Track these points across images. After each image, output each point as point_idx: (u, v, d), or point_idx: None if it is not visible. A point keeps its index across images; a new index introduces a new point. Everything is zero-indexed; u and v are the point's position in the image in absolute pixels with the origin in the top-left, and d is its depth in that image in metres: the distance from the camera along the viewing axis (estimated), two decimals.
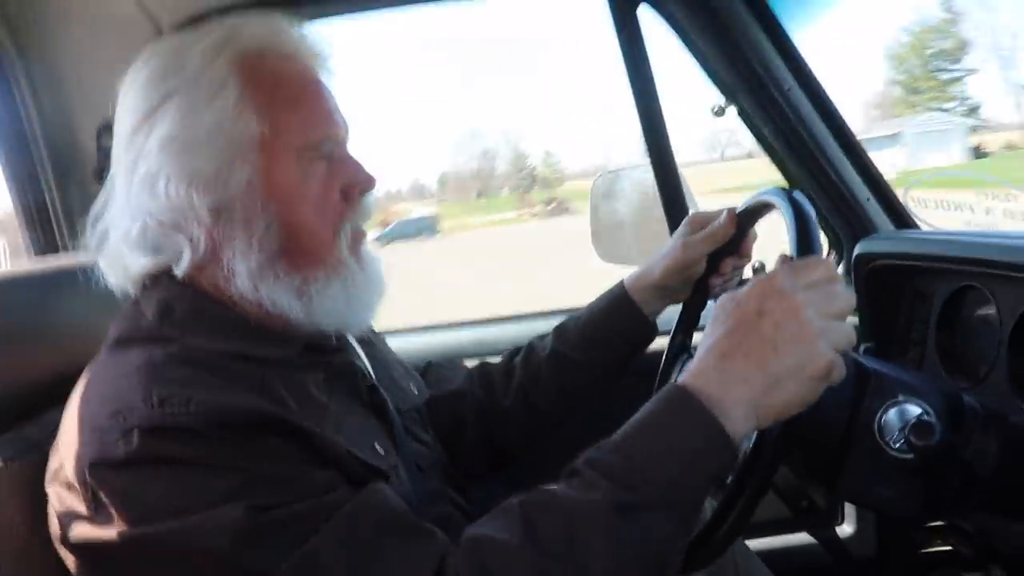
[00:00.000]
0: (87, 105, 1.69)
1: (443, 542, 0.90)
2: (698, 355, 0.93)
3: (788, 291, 0.89)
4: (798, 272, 0.92)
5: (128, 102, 1.06)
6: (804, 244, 1.00)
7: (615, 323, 1.39)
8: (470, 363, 1.54)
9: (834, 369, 0.88)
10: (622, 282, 1.42)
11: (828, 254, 1.96)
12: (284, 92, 1.05)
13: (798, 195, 1.08)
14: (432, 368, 1.51)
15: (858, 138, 1.79)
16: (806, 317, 0.88)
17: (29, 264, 1.42)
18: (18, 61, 1.61)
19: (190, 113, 1.01)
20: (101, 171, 1.69)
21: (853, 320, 1.79)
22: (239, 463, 0.87)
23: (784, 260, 0.99)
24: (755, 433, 0.92)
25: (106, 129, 1.67)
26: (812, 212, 1.04)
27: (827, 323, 0.88)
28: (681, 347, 1.39)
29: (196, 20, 1.64)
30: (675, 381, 0.93)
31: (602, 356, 1.40)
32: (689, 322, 1.41)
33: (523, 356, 1.44)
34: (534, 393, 1.40)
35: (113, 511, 0.87)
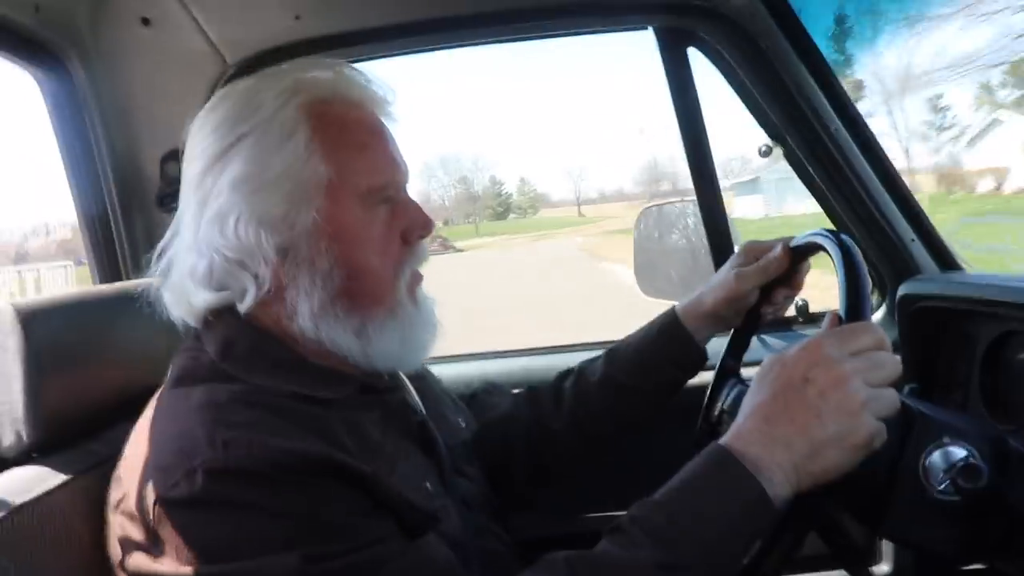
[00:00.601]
0: (153, 134, 1.74)
1: None
2: (742, 415, 0.95)
3: (835, 360, 0.91)
4: (846, 339, 0.93)
5: (200, 142, 1.09)
6: (853, 307, 1.01)
7: (666, 349, 1.40)
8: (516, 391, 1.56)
9: (876, 438, 0.90)
10: (674, 308, 1.43)
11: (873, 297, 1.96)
12: (350, 138, 1.09)
13: (849, 242, 1.08)
14: (478, 396, 1.53)
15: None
16: (851, 388, 0.89)
17: (95, 288, 1.47)
18: (89, 90, 1.66)
19: (262, 156, 1.05)
20: (163, 199, 1.75)
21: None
22: (298, 509, 0.89)
23: (833, 322, 0.99)
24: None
25: (170, 158, 1.73)
26: (864, 268, 1.04)
27: (872, 392, 0.90)
28: (730, 371, 1.40)
29: (261, 56, 1.71)
30: (719, 441, 0.95)
31: (652, 381, 1.40)
32: (739, 347, 1.41)
33: (573, 380, 1.45)
34: (584, 417, 1.41)
35: (172, 548, 0.89)
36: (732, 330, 1.43)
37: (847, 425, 0.89)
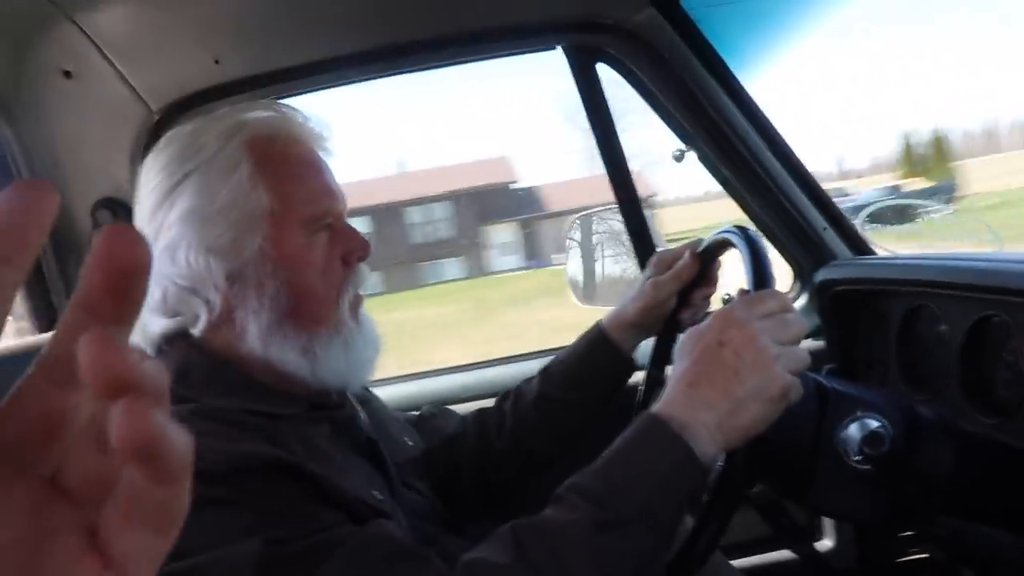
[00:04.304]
0: (83, 185, 1.75)
1: (441, 567, 0.97)
2: (668, 386, 1.02)
3: (745, 321, 0.99)
4: (753, 304, 1.01)
5: (149, 182, 1.15)
6: (758, 278, 1.10)
7: (596, 362, 1.46)
8: (461, 408, 1.62)
9: (791, 390, 0.98)
10: (599, 323, 1.49)
11: (793, 284, 2.06)
12: (291, 170, 1.16)
13: (752, 232, 1.18)
14: (424, 419, 1.58)
15: None
16: (762, 344, 0.97)
17: (34, 338, 1.48)
18: (16, 146, 1.66)
19: (207, 189, 1.11)
20: None
21: (815, 344, 1.89)
22: (256, 502, 0.94)
23: (742, 294, 1.09)
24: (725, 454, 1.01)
25: (101, 206, 1.75)
26: (765, 248, 1.14)
27: (782, 348, 0.98)
28: (656, 381, 1.47)
29: (185, 101, 1.74)
30: (648, 410, 1.01)
31: (586, 394, 1.46)
32: (662, 356, 1.48)
33: (512, 400, 1.51)
34: (525, 435, 1.47)
35: None
36: (655, 339, 1.50)
37: (763, 379, 0.96)
